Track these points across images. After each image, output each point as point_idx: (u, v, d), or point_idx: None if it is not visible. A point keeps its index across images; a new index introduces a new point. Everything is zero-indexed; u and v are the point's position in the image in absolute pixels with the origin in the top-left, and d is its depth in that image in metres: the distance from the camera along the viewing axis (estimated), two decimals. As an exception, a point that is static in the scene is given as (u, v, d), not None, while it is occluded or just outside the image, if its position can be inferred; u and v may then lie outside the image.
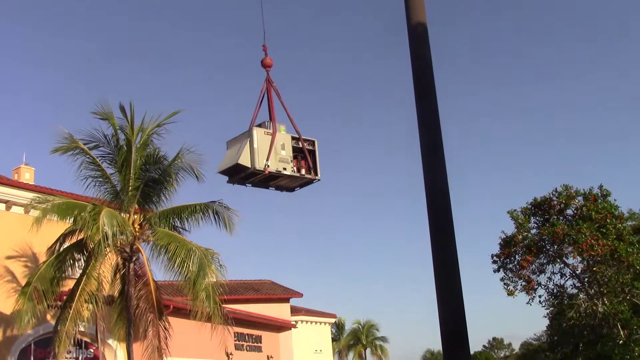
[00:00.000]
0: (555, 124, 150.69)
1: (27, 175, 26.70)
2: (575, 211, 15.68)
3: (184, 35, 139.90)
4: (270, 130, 11.59)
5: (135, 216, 20.93)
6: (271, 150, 11.27)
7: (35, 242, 22.42)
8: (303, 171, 11.90)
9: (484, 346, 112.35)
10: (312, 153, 12.15)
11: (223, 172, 11.81)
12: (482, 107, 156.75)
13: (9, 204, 23.93)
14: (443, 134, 6.52)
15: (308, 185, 12.60)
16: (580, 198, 15.75)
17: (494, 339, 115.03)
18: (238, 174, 11.56)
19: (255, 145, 11.18)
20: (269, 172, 11.25)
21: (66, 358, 22.34)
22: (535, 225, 16.20)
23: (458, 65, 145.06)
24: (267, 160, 11.19)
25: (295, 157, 11.86)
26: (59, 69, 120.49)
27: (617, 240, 14.59)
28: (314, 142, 12.18)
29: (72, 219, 19.34)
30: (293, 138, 12.00)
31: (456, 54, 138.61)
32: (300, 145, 11.93)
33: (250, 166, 11.11)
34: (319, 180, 12.21)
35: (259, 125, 11.98)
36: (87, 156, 20.51)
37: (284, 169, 11.52)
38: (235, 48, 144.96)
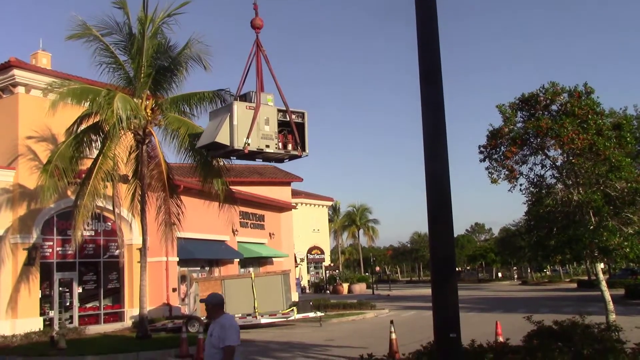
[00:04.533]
0: (549, 22, 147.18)
1: (44, 61, 26.26)
2: (560, 107, 15.49)
3: None
4: (253, 105, 9.96)
5: (147, 102, 20.87)
6: (252, 127, 9.76)
7: (53, 124, 22.49)
8: (290, 146, 10.38)
9: (466, 230, 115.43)
10: (301, 126, 10.57)
11: (203, 148, 10.52)
12: (479, 4, 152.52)
13: (28, 87, 23.77)
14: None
15: (297, 159, 11.05)
16: (565, 95, 15.55)
17: (476, 224, 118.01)
18: (218, 150, 10.37)
19: (234, 122, 9.67)
20: (249, 151, 9.86)
21: (85, 229, 22.95)
22: (522, 119, 16.05)
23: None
24: (248, 137, 9.71)
25: (281, 132, 10.32)
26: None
27: (596, 135, 14.50)
28: (303, 114, 10.68)
29: (88, 103, 19.26)
30: (280, 110, 10.36)
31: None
32: (288, 119, 10.36)
33: (228, 144, 9.73)
34: (306, 155, 10.68)
35: (243, 97, 10.37)
36: (101, 43, 20.20)
37: (267, 146, 10.00)
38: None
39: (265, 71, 10.65)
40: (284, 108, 10.43)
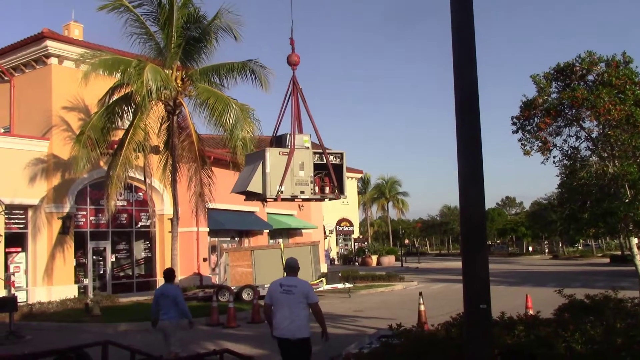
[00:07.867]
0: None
1: (76, 32, 26.46)
2: (596, 77, 15.03)
3: None
4: (287, 150, 9.45)
5: (178, 72, 20.90)
6: (286, 174, 9.32)
7: (86, 94, 22.72)
8: (327, 190, 9.91)
9: (497, 203, 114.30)
10: (339, 168, 10.04)
11: (238, 193, 10.16)
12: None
13: (60, 59, 24.00)
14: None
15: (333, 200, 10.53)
16: (602, 64, 15.08)
17: (506, 197, 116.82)
18: (252, 196, 9.96)
19: (267, 170, 9.25)
20: (282, 199, 9.48)
21: (118, 199, 23.27)
22: (556, 90, 15.63)
23: None
24: (281, 185, 9.30)
25: (317, 174, 9.84)
26: None
27: (634, 106, 14.06)
28: (341, 155, 10.12)
29: (119, 74, 19.36)
30: (316, 153, 9.84)
31: None
32: (325, 161, 9.84)
33: (261, 193, 9.38)
34: (344, 197, 10.34)
35: (279, 138, 9.90)
36: (132, 14, 20.20)
37: (302, 192, 9.58)
38: None
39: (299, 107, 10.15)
40: (320, 150, 9.94)
